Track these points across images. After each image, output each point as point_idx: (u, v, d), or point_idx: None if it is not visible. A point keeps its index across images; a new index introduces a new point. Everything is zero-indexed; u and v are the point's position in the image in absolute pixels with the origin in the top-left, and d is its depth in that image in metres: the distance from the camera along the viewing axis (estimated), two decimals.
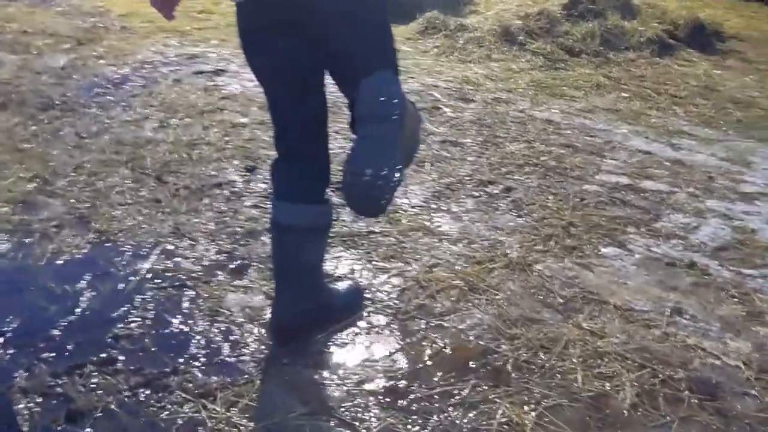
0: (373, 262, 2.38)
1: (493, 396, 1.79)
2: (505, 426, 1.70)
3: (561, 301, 2.24)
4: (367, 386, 1.81)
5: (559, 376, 1.89)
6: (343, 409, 1.72)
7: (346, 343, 1.99)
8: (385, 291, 2.23)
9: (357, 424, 1.67)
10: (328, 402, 1.75)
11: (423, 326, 2.07)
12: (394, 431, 1.66)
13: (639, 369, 1.92)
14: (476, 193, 2.95)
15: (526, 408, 1.76)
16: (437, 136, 3.54)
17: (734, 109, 4.43)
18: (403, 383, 1.82)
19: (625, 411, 1.77)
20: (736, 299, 2.31)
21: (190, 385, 1.78)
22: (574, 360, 1.95)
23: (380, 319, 2.10)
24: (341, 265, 2.36)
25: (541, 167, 3.26)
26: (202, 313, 2.09)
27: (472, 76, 4.53)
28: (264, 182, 3.01)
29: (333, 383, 1.82)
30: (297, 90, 1.77)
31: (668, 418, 1.74)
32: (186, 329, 2.02)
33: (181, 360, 1.87)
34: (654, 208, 2.93)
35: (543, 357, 1.96)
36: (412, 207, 2.79)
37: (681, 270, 2.48)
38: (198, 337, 1.98)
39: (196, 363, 1.87)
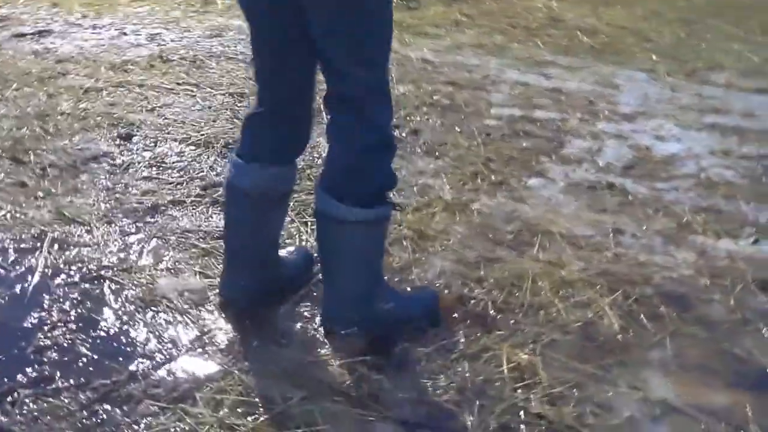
0: (310, 224, 2.17)
1: (489, 343, 1.70)
2: (515, 371, 1.61)
3: (510, 237, 2.19)
4: (358, 356, 1.63)
5: (541, 311, 1.83)
6: (344, 386, 1.54)
7: (315, 314, 1.78)
8: None
9: (368, 400, 1.50)
10: (325, 380, 1.56)
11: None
12: (413, 400, 1.51)
13: (610, 293, 1.92)
14: None
15: (526, 349, 1.68)
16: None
17: (583, 36, 4.62)
18: (396, 347, 1.67)
19: (617, 336, 1.75)
20: (661, 213, 2.39)
21: (159, 390, 1.50)
22: (547, 293, 1.90)
23: None
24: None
25: (437, 106, 3.17)
26: (135, 306, 1.78)
27: None
28: (147, 149, 2.66)
29: (320, 359, 1.63)
30: (293, 32, 1.50)
31: (659, 335, 1.75)
32: (124, 327, 1.71)
33: (134, 363, 1.58)
34: (555, 137, 2.96)
35: (517, 295, 1.89)
36: None
37: (603, 192, 2.52)
38: (143, 334, 1.68)
39: (155, 363, 1.58)
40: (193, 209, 2.26)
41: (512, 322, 1.78)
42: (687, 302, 1.90)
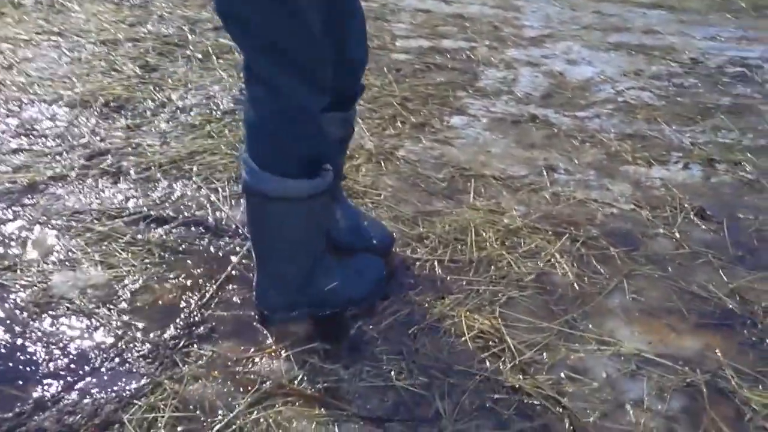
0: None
1: (446, 310, 1.54)
2: (479, 339, 1.47)
3: (443, 185, 2.02)
4: (305, 345, 1.43)
5: (491, 266, 1.70)
6: (296, 383, 1.34)
7: (247, 299, 1.56)
8: None
9: (326, 397, 1.31)
10: (272, 378, 1.35)
11: None
12: (377, 390, 1.33)
13: (557, 237, 1.81)
14: None
15: (485, 313, 1.54)
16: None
17: None
18: (353, 326, 1.48)
19: (573, 285, 1.65)
20: (588, 143, 2.30)
21: (76, 417, 1.25)
22: (493, 245, 1.77)
23: None
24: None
25: None
26: (27, 313, 1.49)
27: None
28: (11, 115, 2.27)
29: (262, 353, 1.42)
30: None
31: (615, 279, 1.67)
32: (17, 341, 1.42)
33: (39, 387, 1.31)
34: (468, 68, 2.80)
35: (463, 250, 1.75)
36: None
37: (528, 125, 2.40)
38: (43, 348, 1.40)
39: (65, 384, 1.32)
40: (80, 184, 1.94)
41: (464, 282, 1.63)
42: (633, 239, 1.82)
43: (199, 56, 2.67)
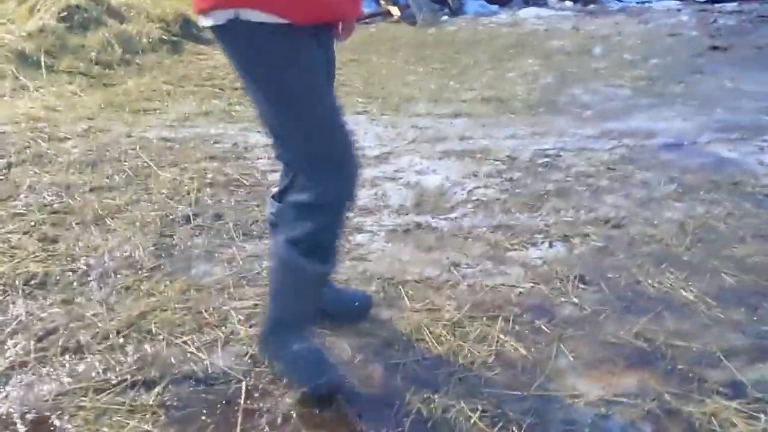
0: None
1: (446, 400, 1.80)
2: (485, 418, 1.75)
3: (380, 295, 2.30)
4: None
5: (458, 356, 1.99)
6: None
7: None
8: None
9: None
10: None
11: None
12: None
13: (492, 321, 2.16)
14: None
15: (477, 396, 1.83)
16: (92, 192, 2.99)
17: None
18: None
19: (527, 356, 2.00)
20: (471, 239, 2.72)
21: None
22: (448, 338, 2.07)
23: None
24: None
25: (218, 185, 3.10)
26: None
27: (35, 113, 3.85)
28: None
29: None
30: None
31: (553, 344, 2.05)
32: None
33: None
34: None
35: (428, 348, 2.03)
36: None
37: (417, 232, 2.77)
38: None
39: None
40: (44, 366, 1.90)
41: (444, 374, 1.91)
42: (546, 311, 2.23)
43: (92, 219, 2.70)
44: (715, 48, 6.47)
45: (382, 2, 9.01)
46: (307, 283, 1.76)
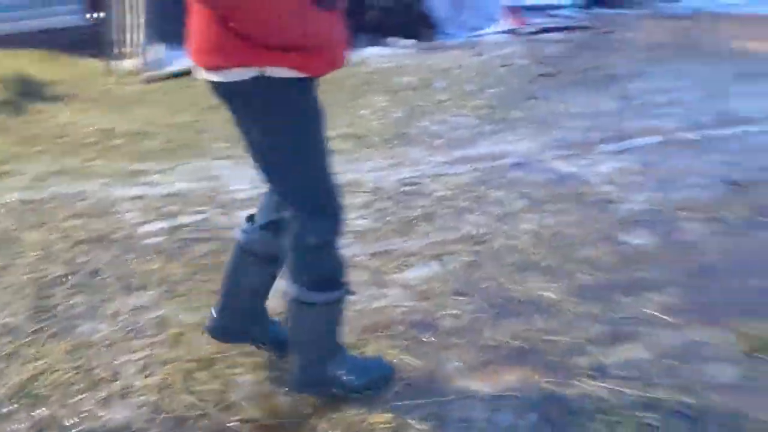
0: None
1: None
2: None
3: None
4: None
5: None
6: None
7: None
8: None
9: None
10: None
11: None
12: None
13: (379, 340, 2.30)
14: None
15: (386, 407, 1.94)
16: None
17: (144, 140, 4.80)
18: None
19: (425, 369, 2.14)
20: (352, 266, 2.86)
21: None
22: None
23: None
24: None
25: (90, 242, 3.04)
26: None
27: None
28: None
29: None
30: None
31: (442, 353, 2.21)
32: None
33: None
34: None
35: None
36: None
37: None
38: None
39: None
40: None
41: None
42: (430, 325, 2.38)
43: None
44: (544, 75, 7.11)
45: None
46: (337, 311, 1.95)
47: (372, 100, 6.30)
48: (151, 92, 6.77)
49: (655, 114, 5.21)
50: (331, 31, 1.71)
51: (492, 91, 6.50)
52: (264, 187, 1.98)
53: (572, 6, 12.53)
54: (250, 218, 2.05)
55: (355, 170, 4.16)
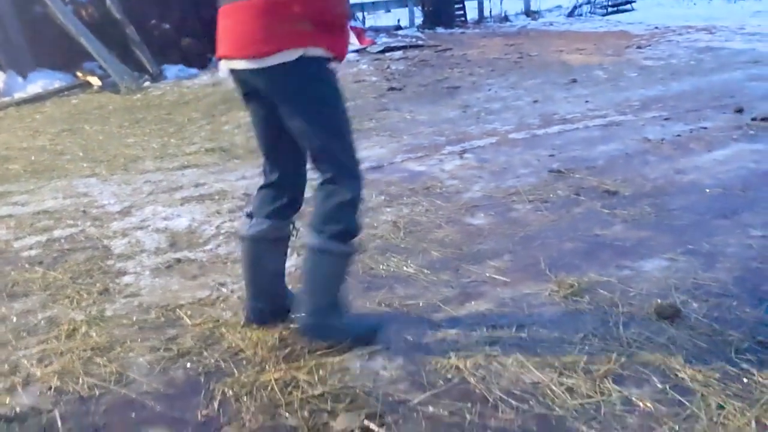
0: None
1: None
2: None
3: None
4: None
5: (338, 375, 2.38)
6: None
7: None
8: None
9: None
10: None
11: None
12: None
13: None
14: None
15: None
16: None
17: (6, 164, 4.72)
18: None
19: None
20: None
21: None
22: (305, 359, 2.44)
23: None
24: None
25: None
26: None
27: None
28: None
29: None
30: (270, 139, 2.25)
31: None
32: None
33: None
34: (97, 245, 3.30)
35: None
36: None
37: (182, 266, 3.08)
38: None
39: None
40: None
41: (246, 361, 2.28)
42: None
43: None
44: (392, 89, 7.65)
45: (79, 74, 8.92)
46: (348, 265, 2.29)
47: (234, 117, 6.52)
48: (1, 119, 6.59)
49: (490, 119, 5.85)
50: (346, 15, 2.12)
51: (347, 105, 6.90)
52: (253, 188, 2.34)
53: (412, 26, 13.38)
54: (250, 215, 2.35)
55: (224, 180, 4.41)
